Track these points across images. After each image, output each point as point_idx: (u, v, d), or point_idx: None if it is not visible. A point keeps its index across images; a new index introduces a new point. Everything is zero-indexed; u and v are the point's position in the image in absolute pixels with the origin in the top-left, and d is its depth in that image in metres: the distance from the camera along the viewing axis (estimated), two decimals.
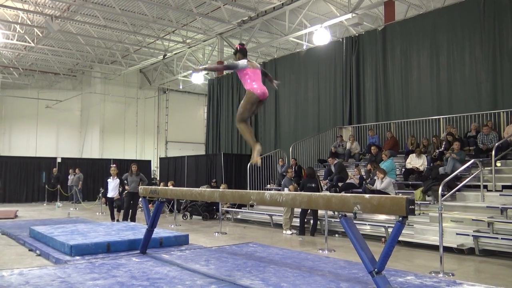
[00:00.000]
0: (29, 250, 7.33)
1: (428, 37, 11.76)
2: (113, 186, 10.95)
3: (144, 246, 6.72)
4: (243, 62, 4.79)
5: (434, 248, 7.14)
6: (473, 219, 7.49)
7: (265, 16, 16.35)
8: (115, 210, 11.12)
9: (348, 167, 11.93)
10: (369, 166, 10.51)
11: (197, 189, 6.44)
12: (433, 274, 5.70)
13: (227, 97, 18.60)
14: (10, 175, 19.33)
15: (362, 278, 5.21)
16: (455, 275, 5.67)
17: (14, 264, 6.16)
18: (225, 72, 20.17)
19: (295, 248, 7.90)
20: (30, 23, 17.43)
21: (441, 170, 9.27)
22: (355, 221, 5.62)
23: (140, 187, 7.39)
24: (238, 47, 5.05)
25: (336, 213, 7.96)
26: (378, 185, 9.32)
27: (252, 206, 12.31)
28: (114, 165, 11.60)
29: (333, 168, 11.49)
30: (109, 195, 11.04)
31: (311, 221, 9.66)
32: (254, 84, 4.70)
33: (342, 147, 13.15)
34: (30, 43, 19.33)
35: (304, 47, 16.78)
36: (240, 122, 4.79)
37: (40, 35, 18.60)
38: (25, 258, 6.75)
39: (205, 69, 5.18)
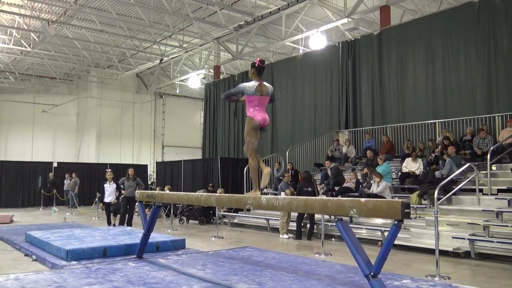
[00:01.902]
0: (25, 255, 7.30)
1: (423, 41, 11.83)
2: (110, 191, 10.91)
3: (141, 250, 6.71)
4: (252, 87, 4.69)
5: (430, 251, 7.17)
6: (468, 223, 7.52)
7: (261, 20, 16.42)
8: (112, 214, 11.09)
9: (344, 171, 11.96)
10: (365, 170, 10.54)
11: (193, 193, 6.45)
12: (429, 278, 5.72)
13: (224, 101, 18.58)
14: (6, 180, 19.25)
15: (358, 282, 5.22)
16: (451, 279, 5.69)
17: (10, 269, 6.13)
18: (221, 77, 20.23)
19: (292, 252, 7.90)
20: (26, 28, 17.43)
21: (437, 174, 9.30)
22: (351, 225, 5.65)
23: (136, 191, 7.38)
24: (257, 63, 4.83)
25: (332, 217, 7.99)
26: (374, 189, 9.35)
27: (248, 210, 12.31)
28: (109, 170, 11.55)
29: (329, 172, 11.51)
30: (106, 200, 11.00)
31: (308, 225, 9.67)
32: (255, 111, 4.72)
33: (338, 151, 13.18)
34: (26, 47, 19.32)
35: (301, 51, 16.86)
36: (251, 153, 4.72)
37: (37, 39, 18.59)
38: (21, 263, 6.72)
39: (228, 97, 5.02)
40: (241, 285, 5.03)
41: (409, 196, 9.49)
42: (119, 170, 17.37)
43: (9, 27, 17.36)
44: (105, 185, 11.03)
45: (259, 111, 4.75)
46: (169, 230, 11.00)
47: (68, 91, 26.80)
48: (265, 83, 4.86)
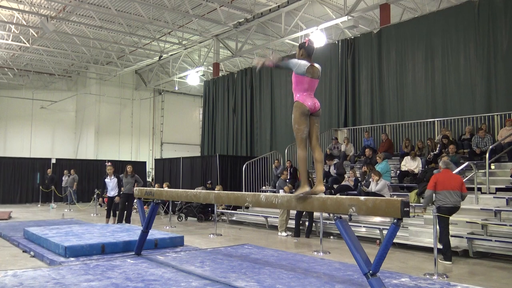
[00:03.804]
0: (23, 251, 7.30)
1: (423, 40, 11.82)
2: (112, 186, 10.82)
3: (139, 247, 6.71)
4: (303, 66, 4.21)
5: (428, 250, 7.18)
6: (467, 221, 7.53)
7: (261, 18, 16.37)
8: (111, 214, 11.00)
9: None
10: (364, 168, 10.54)
11: (192, 190, 6.44)
12: (427, 276, 5.73)
13: (223, 98, 18.59)
14: (4, 176, 19.22)
15: (357, 280, 5.22)
16: (449, 277, 5.70)
17: (8, 266, 6.13)
18: (220, 74, 20.16)
19: (290, 250, 7.91)
20: (25, 23, 17.36)
21: (435, 172, 9.29)
22: (350, 223, 5.65)
23: (135, 188, 7.38)
24: (306, 43, 4.33)
25: (331, 215, 7.99)
26: (373, 187, 9.36)
27: (247, 207, 12.32)
28: (109, 164, 11.43)
29: (332, 168, 11.55)
30: (109, 194, 10.86)
31: (307, 223, 9.68)
32: (304, 96, 4.34)
33: (337, 149, 13.18)
34: (25, 43, 19.25)
35: None
36: (301, 143, 4.26)
37: (35, 35, 18.53)
38: (19, 259, 6.72)
39: (263, 64, 4.50)
40: (239, 282, 5.03)
41: (407, 194, 9.50)
42: (118, 167, 17.32)
43: (8, 23, 17.28)
44: (106, 180, 10.95)
45: (308, 96, 4.36)
46: (167, 227, 10.99)
47: (66, 87, 26.73)
48: (316, 64, 4.36)
